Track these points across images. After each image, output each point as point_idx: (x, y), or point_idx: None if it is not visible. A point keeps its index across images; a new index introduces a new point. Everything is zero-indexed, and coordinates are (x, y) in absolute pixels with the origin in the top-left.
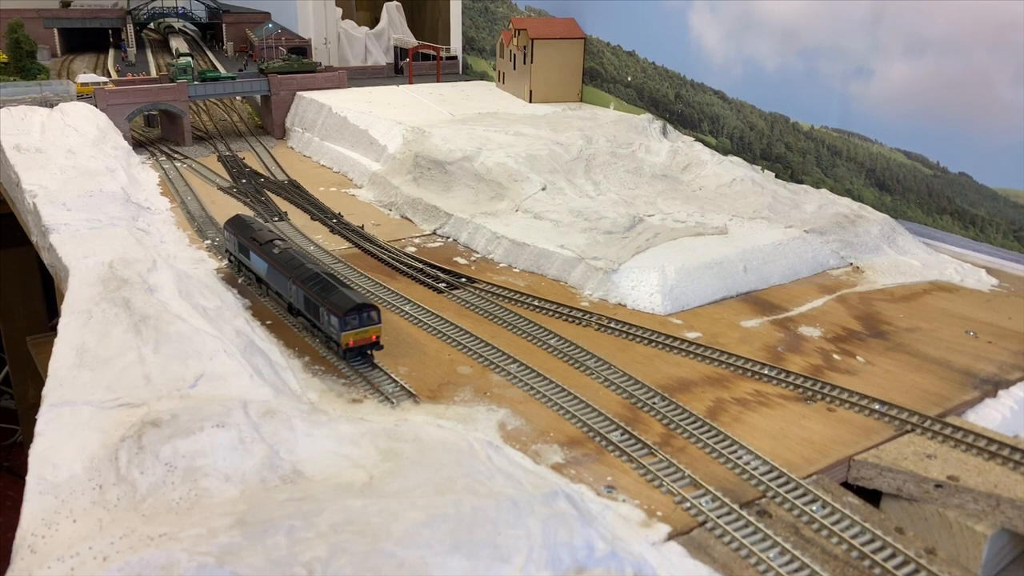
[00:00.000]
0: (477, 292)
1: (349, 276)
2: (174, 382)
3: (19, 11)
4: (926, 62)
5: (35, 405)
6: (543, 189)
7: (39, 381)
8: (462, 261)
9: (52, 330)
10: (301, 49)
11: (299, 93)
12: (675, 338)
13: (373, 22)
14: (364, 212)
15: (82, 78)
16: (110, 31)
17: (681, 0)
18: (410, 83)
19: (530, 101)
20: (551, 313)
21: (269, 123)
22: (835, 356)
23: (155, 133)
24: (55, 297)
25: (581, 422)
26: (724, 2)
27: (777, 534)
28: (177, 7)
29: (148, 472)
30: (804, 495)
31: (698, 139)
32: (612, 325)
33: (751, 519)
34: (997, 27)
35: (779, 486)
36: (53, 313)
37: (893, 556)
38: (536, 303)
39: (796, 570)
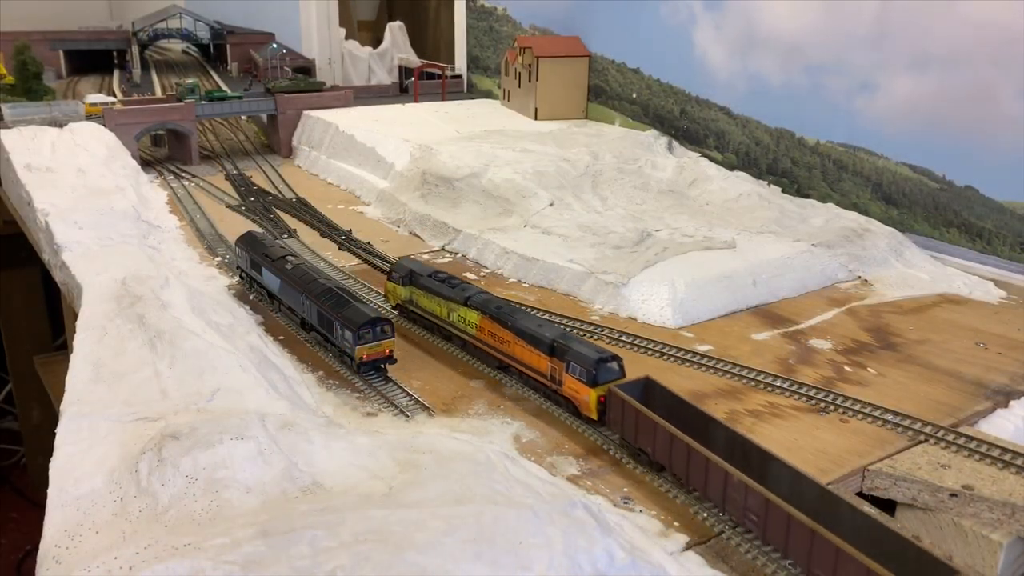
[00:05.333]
0: None
1: (359, 292)
2: (191, 396)
3: (25, 33)
4: (931, 77)
5: (39, 425)
6: (551, 205)
7: (44, 401)
8: (472, 276)
9: (56, 350)
10: (305, 69)
11: (305, 112)
12: (686, 351)
13: (375, 43)
14: (373, 229)
15: (91, 98)
16: (115, 52)
17: (685, 17)
18: (415, 102)
19: (536, 118)
20: (562, 326)
21: (275, 142)
22: (846, 368)
23: (162, 152)
24: (60, 317)
25: (596, 434)
26: (728, 19)
27: None
28: (181, 28)
29: (169, 484)
30: None
31: (704, 155)
32: (623, 338)
33: None
34: (1001, 42)
35: None
36: (58, 333)
37: None
38: (547, 317)
39: None
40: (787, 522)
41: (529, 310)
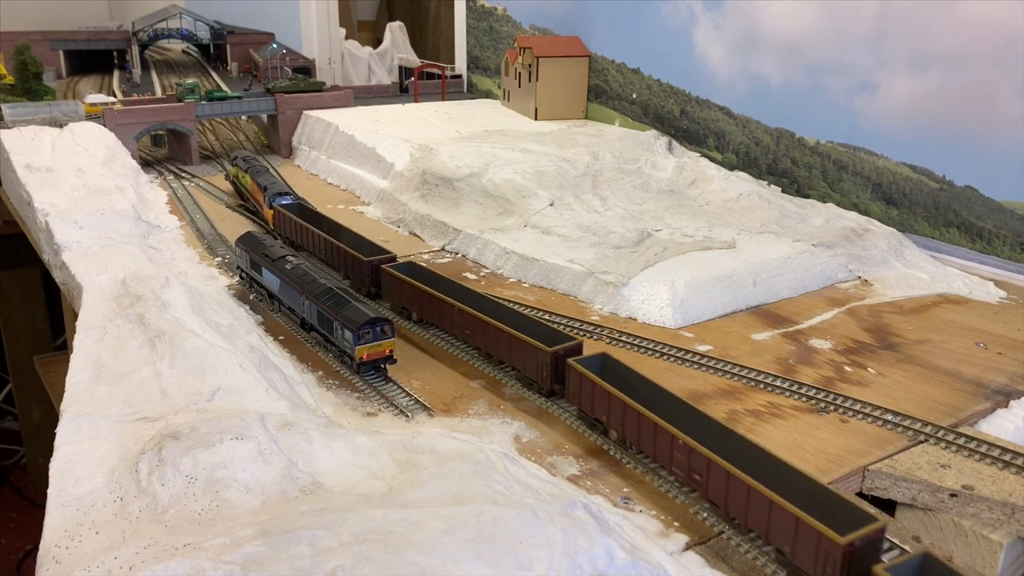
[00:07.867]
0: None
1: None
2: (191, 396)
3: (25, 33)
4: (931, 77)
5: (39, 425)
6: (551, 205)
7: (44, 401)
8: (472, 276)
9: (56, 350)
10: (306, 69)
11: (306, 112)
12: (686, 351)
13: (375, 43)
14: (373, 229)
15: (91, 98)
16: (115, 52)
17: (685, 17)
18: (415, 102)
19: (535, 118)
20: (562, 327)
21: (275, 142)
22: (846, 368)
23: (162, 153)
24: (60, 317)
25: (595, 434)
26: (728, 19)
27: None
28: (181, 28)
29: (169, 484)
30: None
31: (704, 155)
32: (623, 339)
33: None
34: (1001, 42)
35: None
36: (58, 333)
37: None
38: (547, 317)
39: None
40: None
41: (518, 307)
